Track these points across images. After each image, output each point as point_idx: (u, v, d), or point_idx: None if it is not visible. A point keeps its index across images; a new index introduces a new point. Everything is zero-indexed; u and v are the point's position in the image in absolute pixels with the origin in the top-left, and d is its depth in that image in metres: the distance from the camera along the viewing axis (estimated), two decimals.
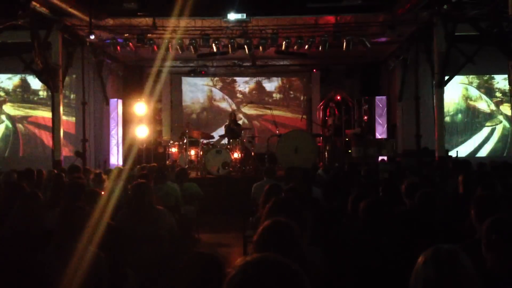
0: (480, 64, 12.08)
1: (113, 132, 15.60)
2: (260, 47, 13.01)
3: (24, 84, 15.58)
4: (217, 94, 17.45)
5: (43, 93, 15.30)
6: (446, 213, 4.01)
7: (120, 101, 16.21)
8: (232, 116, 13.60)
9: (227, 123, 13.54)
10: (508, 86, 9.48)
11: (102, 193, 4.77)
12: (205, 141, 13.02)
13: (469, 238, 3.19)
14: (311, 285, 2.79)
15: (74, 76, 14.42)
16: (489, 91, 15.72)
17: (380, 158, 12.63)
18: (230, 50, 13.13)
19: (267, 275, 1.39)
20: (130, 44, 12.74)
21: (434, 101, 12.01)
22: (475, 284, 2.00)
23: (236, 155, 12.57)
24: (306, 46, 12.98)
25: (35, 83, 14.98)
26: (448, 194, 5.35)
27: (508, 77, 9.11)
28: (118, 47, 12.79)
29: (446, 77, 11.64)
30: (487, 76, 15.55)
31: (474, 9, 9.83)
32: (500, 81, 15.41)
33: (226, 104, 17.22)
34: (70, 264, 3.11)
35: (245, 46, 12.95)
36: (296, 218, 3.10)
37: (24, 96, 15.62)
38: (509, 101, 13.48)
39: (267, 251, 2.21)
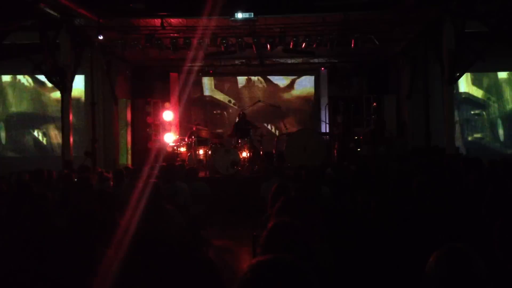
0: (489, 61, 11.99)
1: (122, 132, 15.65)
2: (268, 46, 12.98)
3: None
4: (225, 93, 17.45)
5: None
6: (457, 211, 3.98)
7: (128, 101, 16.26)
8: (242, 114, 13.58)
9: (236, 121, 13.51)
10: None
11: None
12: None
13: (481, 237, 3.15)
14: (320, 285, 2.77)
15: (82, 76, 14.48)
16: None
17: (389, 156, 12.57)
18: (238, 49, 13.12)
19: (278, 275, 1.39)
20: (139, 44, 12.77)
21: (444, 98, 11.93)
22: (488, 284, 1.97)
23: (245, 154, 12.57)
24: (314, 45, 12.95)
25: None
26: (459, 192, 5.30)
27: None
28: (126, 47, 12.82)
29: (456, 74, 11.56)
30: None
31: (484, 5, 9.75)
32: None
33: (234, 103, 17.19)
34: (81, 265, 3.11)
35: (253, 45, 12.94)
36: (305, 218, 3.09)
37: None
38: None
39: (273, 252, 2.20)
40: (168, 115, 15.58)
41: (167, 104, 16.46)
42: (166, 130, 15.44)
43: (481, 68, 13.26)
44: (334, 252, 3.28)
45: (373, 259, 3.20)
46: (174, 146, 13.68)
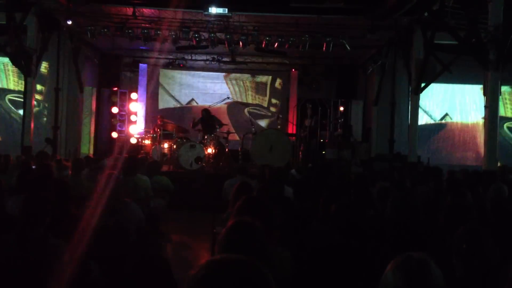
0: (456, 73, 12.24)
1: (85, 121, 15.32)
2: (240, 43, 12.94)
3: None
4: (195, 87, 17.29)
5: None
6: (416, 219, 4.01)
7: (94, 90, 15.93)
8: (206, 111, 13.46)
9: (200, 117, 13.38)
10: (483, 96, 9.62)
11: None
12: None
13: (438, 246, 3.18)
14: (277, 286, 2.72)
15: (48, 61, 14.10)
16: None
17: (353, 161, 12.70)
18: (210, 44, 13.03)
19: (231, 274, 1.34)
20: (109, 32, 12.51)
21: (409, 107, 12.12)
22: None
23: (210, 150, 12.47)
24: (286, 45, 12.96)
25: None
26: (418, 200, 5.37)
27: (483, 87, 9.25)
28: (96, 34, 12.55)
29: (422, 84, 11.76)
30: None
31: (454, 18, 9.93)
32: None
33: (202, 99, 17.04)
34: (30, 254, 3.00)
35: (225, 41, 12.86)
36: (265, 218, 3.05)
37: None
38: None
39: (230, 251, 2.16)
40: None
41: (134, 95, 16.20)
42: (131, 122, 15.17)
43: (448, 79, 13.54)
44: (293, 254, 3.25)
45: (331, 262, 3.18)
46: (139, 138, 13.47)
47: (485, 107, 9.42)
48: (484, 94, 9.29)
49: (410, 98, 12.17)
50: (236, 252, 2.16)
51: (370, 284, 2.10)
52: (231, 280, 1.33)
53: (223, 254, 1.49)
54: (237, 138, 14.98)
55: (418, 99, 12.00)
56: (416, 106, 11.97)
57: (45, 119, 13.90)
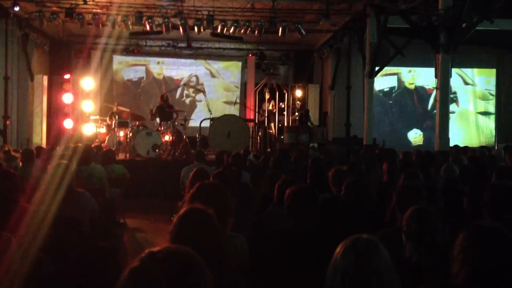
0: (409, 57, 12.47)
1: (37, 110, 14.84)
2: (196, 29, 12.77)
3: None
4: (150, 74, 17.01)
5: None
6: (370, 201, 4.08)
7: (45, 77, 15.43)
8: (165, 97, 13.26)
9: (158, 104, 13.18)
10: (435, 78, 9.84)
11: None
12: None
13: (390, 227, 3.24)
14: (233, 272, 2.71)
15: None
16: None
17: (311, 145, 12.81)
18: (164, 30, 12.80)
19: (162, 267, 1.32)
20: (58, 18, 12.11)
21: (364, 90, 12.29)
22: (392, 275, 2.01)
23: (167, 137, 12.31)
24: (242, 30, 12.88)
25: None
26: (373, 182, 5.47)
27: (435, 70, 9.46)
28: (45, 21, 12.13)
29: (377, 68, 11.93)
30: None
31: (406, 2, 10.09)
32: None
33: (159, 86, 16.80)
34: None
35: (180, 27, 12.67)
36: (219, 204, 3.03)
37: None
38: None
39: (181, 240, 2.13)
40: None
41: (86, 82, 15.73)
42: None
43: (401, 63, 13.79)
44: (248, 239, 3.25)
45: (286, 246, 3.19)
46: (93, 126, 13.12)
47: (436, 88, 9.66)
48: (436, 76, 9.50)
49: (364, 82, 12.33)
50: (187, 240, 2.13)
51: (325, 267, 2.11)
52: (161, 273, 1.31)
53: (164, 246, 1.47)
54: (195, 124, 14.85)
55: (373, 82, 12.19)
56: (370, 89, 12.15)
57: None
